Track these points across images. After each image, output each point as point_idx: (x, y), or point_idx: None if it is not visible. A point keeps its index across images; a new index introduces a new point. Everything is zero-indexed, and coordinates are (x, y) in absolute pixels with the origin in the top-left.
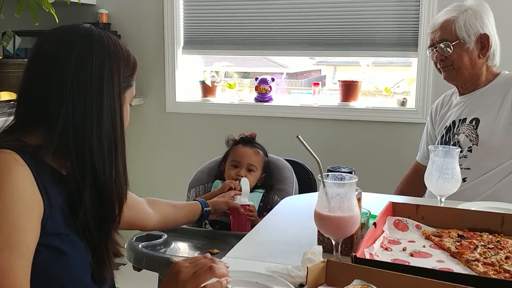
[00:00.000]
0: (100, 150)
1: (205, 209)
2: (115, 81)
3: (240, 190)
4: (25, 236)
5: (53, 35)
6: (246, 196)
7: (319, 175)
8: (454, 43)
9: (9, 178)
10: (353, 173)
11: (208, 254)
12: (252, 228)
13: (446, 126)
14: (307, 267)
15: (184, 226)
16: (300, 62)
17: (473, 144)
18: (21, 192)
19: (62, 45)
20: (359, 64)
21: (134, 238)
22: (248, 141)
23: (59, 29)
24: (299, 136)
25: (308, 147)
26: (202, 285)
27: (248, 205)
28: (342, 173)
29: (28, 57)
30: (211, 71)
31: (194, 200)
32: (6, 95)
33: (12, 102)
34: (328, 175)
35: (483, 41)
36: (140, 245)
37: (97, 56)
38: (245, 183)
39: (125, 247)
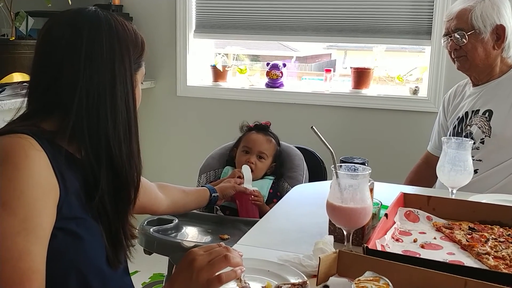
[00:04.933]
0: (116, 134)
1: (213, 194)
2: (126, 63)
3: (243, 177)
4: (41, 220)
5: (60, 20)
6: (249, 182)
7: (333, 166)
8: (469, 33)
9: (26, 163)
10: (366, 164)
11: (222, 243)
12: (262, 216)
13: (459, 117)
14: (319, 258)
15: (194, 211)
16: (311, 46)
17: (485, 136)
18: (37, 177)
19: (71, 30)
20: (370, 48)
21: (146, 222)
22: (262, 128)
23: (65, 13)
24: (314, 127)
25: (323, 138)
26: (216, 273)
27: (253, 190)
28: (355, 164)
29: (36, 42)
30: (222, 54)
31: (202, 186)
32: (19, 76)
33: (24, 84)
34: (341, 166)
35: (499, 32)
36: (151, 229)
37: (106, 40)
38: (247, 170)
39: (137, 231)
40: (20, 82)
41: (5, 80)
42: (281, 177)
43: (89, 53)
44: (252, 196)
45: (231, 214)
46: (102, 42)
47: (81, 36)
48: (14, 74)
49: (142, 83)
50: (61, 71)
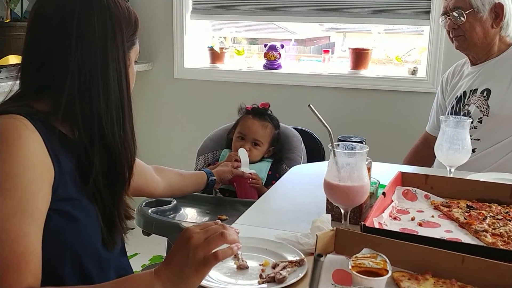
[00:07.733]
0: (108, 114)
1: (210, 178)
2: (119, 42)
3: (239, 161)
4: (36, 202)
5: None
6: (246, 165)
7: (330, 144)
8: (467, 12)
9: (19, 144)
10: (363, 142)
11: (218, 220)
12: (260, 196)
13: (457, 96)
14: (317, 235)
15: None
16: (309, 28)
17: (483, 115)
18: (31, 158)
19: (62, 9)
20: (369, 31)
21: (144, 204)
22: (259, 112)
23: None
24: (311, 105)
25: (320, 116)
26: (213, 250)
27: (250, 173)
28: (353, 143)
29: (28, 20)
30: (220, 37)
31: (199, 170)
32: (14, 59)
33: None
34: (338, 144)
35: (497, 11)
36: (149, 211)
37: (98, 18)
38: (243, 154)
39: (135, 212)
40: (16, 64)
41: (1, 62)
42: (280, 160)
43: (81, 32)
44: (250, 179)
45: (230, 197)
46: (94, 20)
47: (72, 14)
48: (9, 56)
49: (136, 61)
50: (53, 50)
